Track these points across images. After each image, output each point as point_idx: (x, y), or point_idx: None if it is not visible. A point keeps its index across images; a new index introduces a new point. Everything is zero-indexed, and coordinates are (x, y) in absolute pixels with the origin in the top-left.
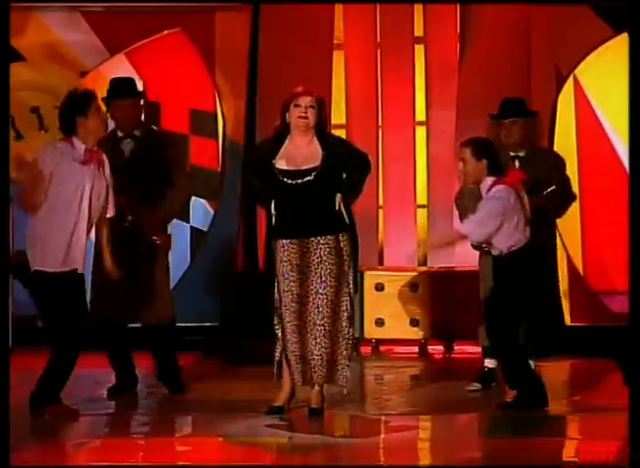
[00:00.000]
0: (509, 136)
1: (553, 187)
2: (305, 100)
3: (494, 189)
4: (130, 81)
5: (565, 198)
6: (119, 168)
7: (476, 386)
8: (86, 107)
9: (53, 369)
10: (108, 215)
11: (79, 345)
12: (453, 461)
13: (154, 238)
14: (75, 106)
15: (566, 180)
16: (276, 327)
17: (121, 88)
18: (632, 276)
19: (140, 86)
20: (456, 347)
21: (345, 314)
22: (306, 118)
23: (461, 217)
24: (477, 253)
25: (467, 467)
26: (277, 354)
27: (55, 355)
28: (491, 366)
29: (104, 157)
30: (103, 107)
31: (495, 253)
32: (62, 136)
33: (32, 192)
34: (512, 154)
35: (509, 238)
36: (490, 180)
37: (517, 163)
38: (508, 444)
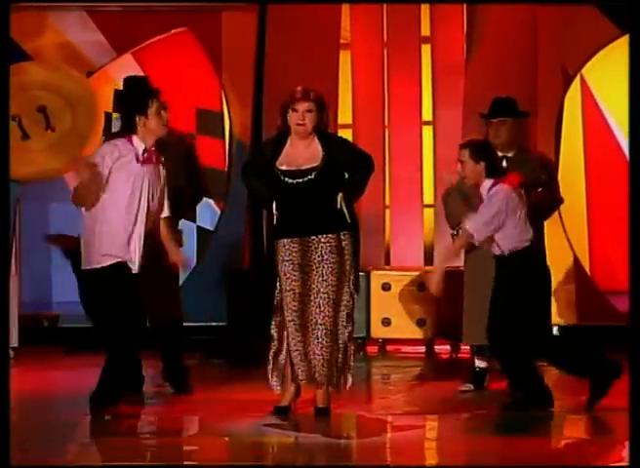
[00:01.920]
0: (497, 137)
1: (539, 190)
2: (303, 106)
3: (494, 188)
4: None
5: (551, 201)
6: None
7: (468, 387)
8: (146, 107)
9: (109, 370)
10: (163, 215)
11: (134, 343)
12: (459, 461)
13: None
14: (136, 105)
15: (553, 183)
16: (273, 327)
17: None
18: (632, 276)
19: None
20: (462, 347)
21: (344, 314)
22: (304, 125)
23: (448, 217)
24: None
25: (473, 467)
26: (270, 354)
27: (110, 355)
28: (482, 366)
29: (161, 157)
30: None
31: (497, 252)
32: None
33: (88, 190)
34: (500, 154)
35: (512, 238)
36: (489, 183)
37: (504, 163)
38: (514, 443)
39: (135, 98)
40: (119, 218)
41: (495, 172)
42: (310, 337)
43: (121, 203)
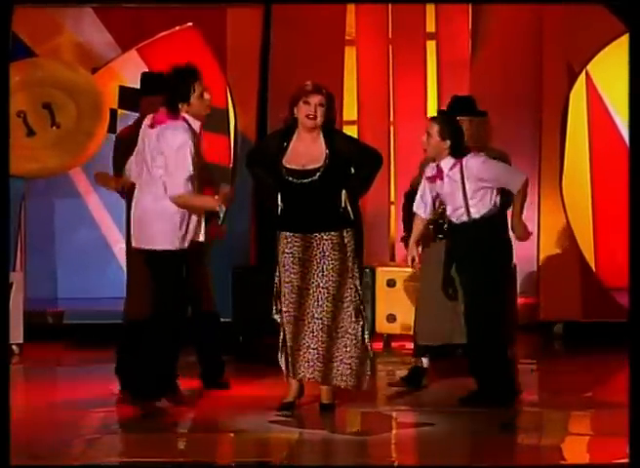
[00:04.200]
0: None
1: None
2: (315, 99)
3: (464, 162)
4: (160, 77)
5: (507, 199)
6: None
7: (402, 384)
8: (188, 94)
9: (151, 360)
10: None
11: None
12: (464, 457)
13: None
14: (178, 95)
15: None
16: (275, 315)
17: (152, 84)
18: (632, 272)
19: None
20: None
21: (350, 310)
22: (315, 118)
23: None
24: None
25: (477, 466)
26: (280, 342)
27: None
28: (424, 366)
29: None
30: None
31: (461, 220)
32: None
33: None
34: None
35: (484, 203)
36: (450, 161)
37: None
38: (516, 439)
39: (176, 86)
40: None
41: (458, 152)
42: (306, 331)
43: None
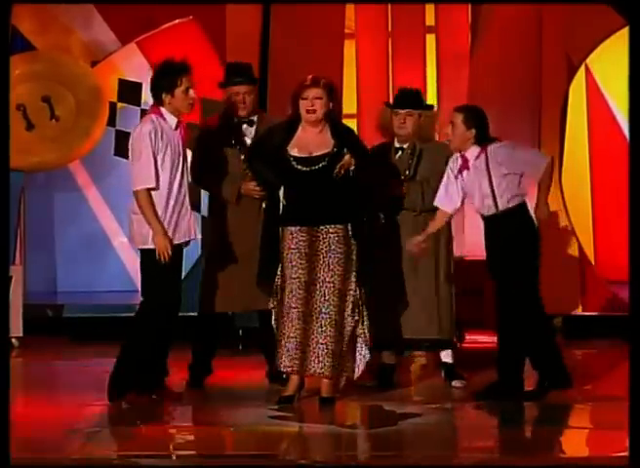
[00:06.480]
0: (402, 128)
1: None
2: (312, 93)
3: (489, 149)
4: (247, 67)
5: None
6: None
7: (373, 383)
8: (173, 86)
9: (127, 353)
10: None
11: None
12: (466, 451)
13: None
14: (162, 83)
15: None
16: (272, 312)
17: (238, 74)
18: (632, 266)
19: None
20: (467, 336)
21: (351, 302)
22: (314, 111)
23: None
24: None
25: (479, 465)
26: (277, 339)
27: (130, 340)
28: (389, 362)
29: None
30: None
31: (490, 212)
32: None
33: None
34: (397, 146)
35: (511, 191)
36: (476, 150)
37: (399, 154)
38: (521, 434)
39: (163, 77)
40: (164, 194)
41: (483, 139)
42: (314, 326)
43: (165, 178)
